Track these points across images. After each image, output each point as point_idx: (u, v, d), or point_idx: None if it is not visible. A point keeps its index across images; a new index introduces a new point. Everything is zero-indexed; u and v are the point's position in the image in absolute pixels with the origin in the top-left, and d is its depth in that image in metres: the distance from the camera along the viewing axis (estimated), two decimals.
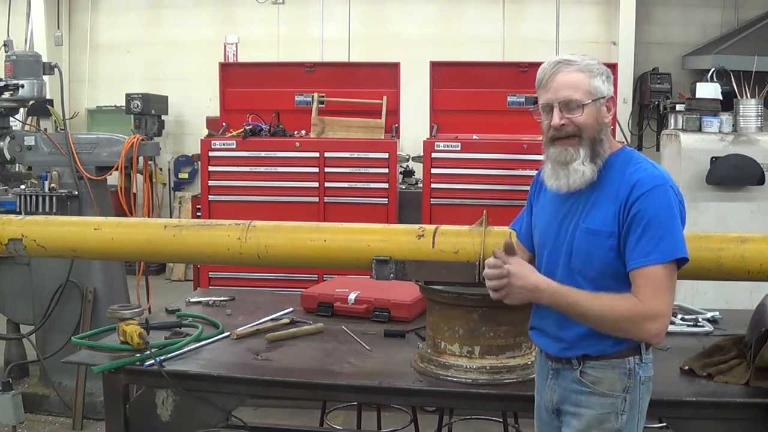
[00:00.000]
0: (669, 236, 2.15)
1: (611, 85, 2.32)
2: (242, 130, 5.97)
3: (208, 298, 4.02)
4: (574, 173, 2.27)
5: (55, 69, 5.16)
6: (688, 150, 5.69)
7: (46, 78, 5.21)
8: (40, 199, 5.00)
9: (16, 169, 5.55)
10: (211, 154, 5.96)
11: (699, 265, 2.89)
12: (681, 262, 2.19)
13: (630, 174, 2.23)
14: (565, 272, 2.31)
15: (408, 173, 7.92)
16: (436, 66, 6.34)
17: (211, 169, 5.98)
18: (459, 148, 5.74)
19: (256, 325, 3.49)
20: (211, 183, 5.98)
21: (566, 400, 2.35)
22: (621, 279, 2.22)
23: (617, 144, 2.36)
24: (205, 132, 7.04)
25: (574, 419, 2.32)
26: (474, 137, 5.97)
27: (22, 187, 5.15)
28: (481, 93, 6.23)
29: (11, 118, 5.30)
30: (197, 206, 7.55)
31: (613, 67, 6.30)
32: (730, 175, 5.59)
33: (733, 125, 5.73)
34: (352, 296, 3.75)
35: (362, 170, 5.85)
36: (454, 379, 2.86)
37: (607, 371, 2.27)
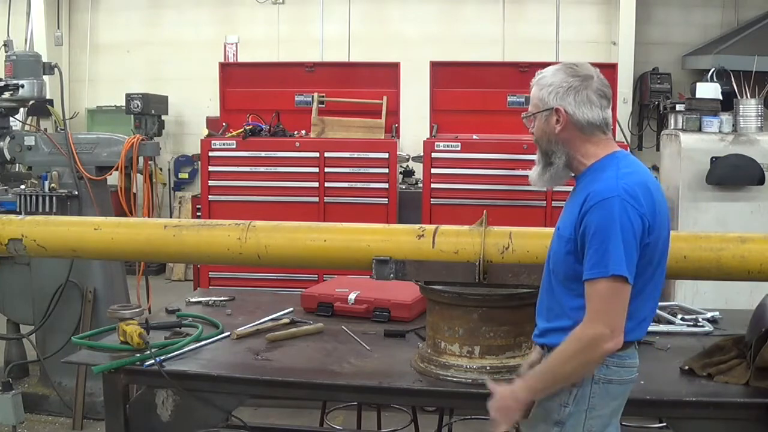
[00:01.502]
0: (607, 252, 2.16)
1: (567, 97, 2.31)
2: (242, 130, 5.97)
3: (208, 298, 4.02)
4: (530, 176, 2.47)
5: (55, 69, 5.16)
6: (688, 150, 5.69)
7: (46, 78, 5.20)
8: (40, 199, 5.00)
9: (16, 169, 5.54)
10: (211, 154, 5.96)
11: (699, 265, 2.90)
12: (623, 279, 2.17)
13: (590, 184, 2.28)
14: (545, 272, 2.43)
15: (408, 173, 7.93)
16: (436, 66, 6.33)
17: (211, 169, 5.98)
18: (459, 148, 5.74)
19: (256, 325, 3.49)
20: (211, 183, 5.97)
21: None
22: (581, 283, 2.24)
23: (605, 151, 2.35)
24: (205, 132, 7.05)
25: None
26: (474, 137, 5.97)
27: (22, 187, 5.15)
28: (481, 93, 6.23)
29: (11, 118, 5.30)
30: (197, 206, 7.55)
31: (613, 67, 6.36)
32: (730, 175, 5.59)
33: (733, 125, 5.73)
34: (352, 296, 3.75)
35: (362, 170, 5.85)
36: (454, 379, 2.86)
37: None
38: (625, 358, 2.31)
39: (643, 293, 2.27)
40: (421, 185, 6.17)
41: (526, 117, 2.42)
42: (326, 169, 5.85)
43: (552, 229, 2.49)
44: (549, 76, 2.36)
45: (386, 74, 6.31)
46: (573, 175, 2.41)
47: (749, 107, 5.68)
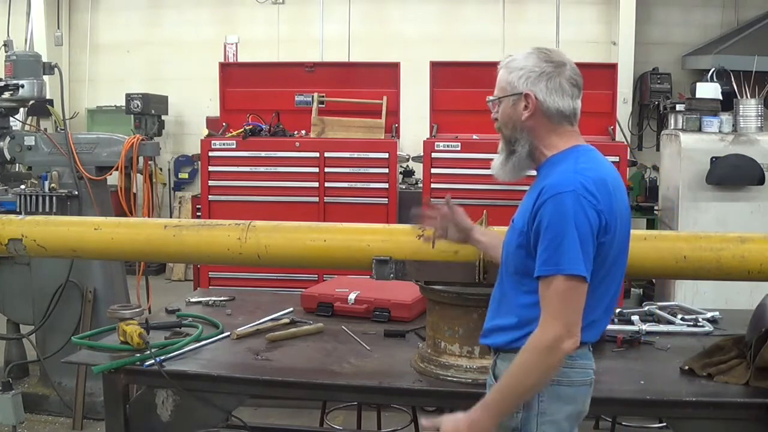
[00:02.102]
0: (561, 248, 2.06)
1: (539, 82, 2.21)
2: (242, 130, 5.98)
3: (208, 298, 4.01)
4: (492, 166, 2.37)
5: (55, 69, 5.16)
6: (688, 150, 5.69)
7: (46, 78, 5.20)
8: (40, 199, 5.00)
9: (16, 169, 5.54)
10: (211, 154, 5.96)
11: (699, 265, 2.90)
12: (579, 277, 2.07)
13: (546, 176, 2.20)
14: (501, 265, 2.35)
15: (408, 173, 7.93)
16: (436, 66, 6.34)
17: (211, 169, 5.98)
18: (459, 148, 5.74)
19: (256, 325, 3.49)
20: (211, 183, 5.98)
21: (488, 387, 2.34)
22: (534, 279, 2.14)
23: (567, 144, 2.26)
24: (205, 132, 7.04)
25: None
26: (474, 137, 5.97)
27: (22, 187, 5.14)
28: (481, 93, 6.13)
29: (11, 118, 5.30)
30: (197, 206, 7.55)
31: (613, 67, 6.36)
32: (730, 175, 5.59)
33: (733, 125, 5.73)
34: (352, 296, 3.75)
35: (362, 170, 5.85)
36: (454, 379, 2.86)
37: (506, 365, 2.20)
38: (576, 359, 2.19)
39: (594, 294, 2.14)
40: (421, 185, 6.17)
41: (492, 101, 2.32)
42: (326, 169, 5.85)
43: None
44: (521, 60, 2.25)
45: (386, 74, 6.32)
46: (534, 165, 2.31)
47: (749, 107, 5.68)
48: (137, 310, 3.22)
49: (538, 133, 2.26)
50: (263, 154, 5.90)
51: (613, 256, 2.20)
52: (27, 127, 7.13)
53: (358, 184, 5.85)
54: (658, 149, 7.77)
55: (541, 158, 2.28)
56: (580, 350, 2.18)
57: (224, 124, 6.34)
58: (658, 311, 3.69)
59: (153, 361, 2.93)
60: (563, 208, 2.07)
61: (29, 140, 5.16)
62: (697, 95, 6.04)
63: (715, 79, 6.53)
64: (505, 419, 2.18)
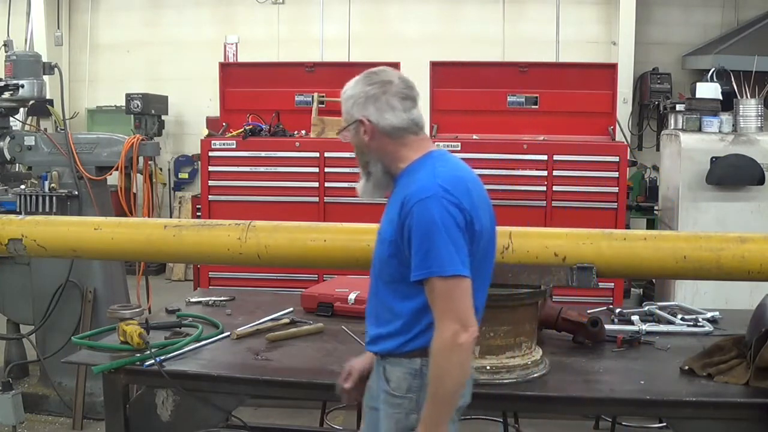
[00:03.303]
0: (434, 251, 2.17)
1: (368, 106, 2.32)
2: (242, 130, 5.97)
3: (208, 298, 4.01)
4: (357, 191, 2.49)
5: (55, 69, 5.16)
6: (688, 150, 5.70)
7: (46, 78, 5.20)
8: (40, 199, 5.00)
9: (16, 169, 5.54)
10: (211, 154, 5.96)
11: (699, 265, 2.90)
12: (458, 276, 2.17)
13: (406, 185, 2.29)
14: (371, 277, 2.45)
15: None
16: (436, 66, 6.34)
17: (211, 169, 5.97)
18: (459, 148, 5.73)
19: (256, 325, 3.49)
20: (211, 183, 5.97)
21: (373, 393, 2.42)
22: (411, 284, 2.24)
23: (419, 153, 2.36)
24: (205, 132, 7.04)
25: (376, 413, 2.38)
26: (474, 137, 5.97)
27: (22, 187, 5.15)
28: (481, 93, 6.23)
29: (11, 118, 5.30)
30: (197, 206, 7.55)
31: (613, 67, 6.36)
32: (730, 175, 5.59)
33: (733, 125, 5.73)
34: (352, 296, 3.75)
35: None
36: None
37: (396, 370, 2.32)
38: None
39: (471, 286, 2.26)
40: None
41: (340, 133, 2.44)
42: (326, 169, 5.85)
43: None
44: (350, 89, 2.38)
45: None
46: (393, 179, 2.41)
47: (749, 107, 5.68)
48: (137, 310, 3.23)
49: (385, 150, 2.37)
50: (263, 154, 5.89)
51: (483, 248, 2.32)
52: (27, 127, 7.12)
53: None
54: (658, 149, 7.78)
55: (397, 171, 2.38)
56: None
57: (224, 124, 6.34)
58: (658, 311, 3.69)
59: (153, 361, 2.93)
60: (428, 212, 2.18)
61: (29, 140, 5.16)
62: (697, 95, 6.04)
63: (715, 79, 6.53)
64: (399, 414, 2.28)
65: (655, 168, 8.48)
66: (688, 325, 3.52)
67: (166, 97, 9.68)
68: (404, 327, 2.30)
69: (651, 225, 7.90)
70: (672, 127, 6.20)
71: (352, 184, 6.13)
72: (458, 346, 2.15)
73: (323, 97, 6.11)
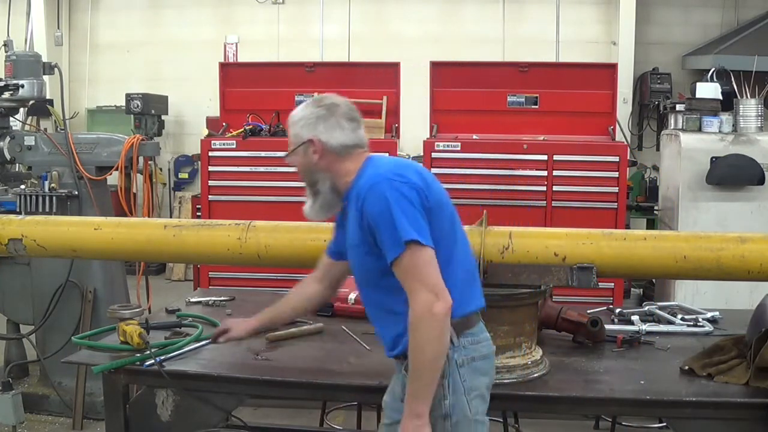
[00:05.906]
0: (392, 227, 2.24)
1: (318, 126, 2.46)
2: (242, 130, 5.97)
3: (208, 298, 4.02)
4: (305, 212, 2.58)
5: (55, 69, 5.16)
6: (688, 150, 5.70)
7: (46, 78, 5.20)
8: (40, 199, 5.00)
9: (16, 169, 5.54)
10: (211, 154, 5.95)
11: (699, 265, 2.90)
12: (417, 243, 2.24)
13: (356, 186, 2.39)
14: (360, 289, 2.54)
15: None
16: (436, 66, 6.33)
17: (211, 169, 5.97)
18: (459, 148, 5.73)
19: None
20: (211, 183, 5.97)
21: (398, 405, 2.43)
22: (392, 275, 2.31)
23: (359, 162, 2.47)
24: (205, 132, 7.04)
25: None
26: (474, 137, 5.97)
27: (22, 187, 5.15)
28: (481, 93, 6.22)
29: (11, 118, 5.30)
30: (197, 206, 7.54)
31: (613, 67, 6.36)
32: (730, 175, 5.59)
33: (733, 125, 5.73)
34: (352, 296, 3.74)
35: None
36: None
37: None
38: (477, 334, 2.42)
39: (453, 259, 2.37)
40: None
41: (287, 156, 2.54)
42: None
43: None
44: (298, 113, 2.51)
45: (386, 74, 6.30)
46: (341, 195, 2.50)
47: (749, 107, 5.68)
48: (137, 310, 3.22)
49: (332, 167, 2.49)
50: (263, 154, 5.88)
51: (450, 218, 2.41)
52: (27, 127, 7.12)
53: None
54: (658, 149, 7.77)
55: (345, 186, 2.48)
56: (476, 326, 2.43)
57: (224, 124, 6.33)
58: (658, 311, 3.69)
59: (153, 361, 2.93)
60: (381, 194, 2.28)
61: (29, 140, 5.16)
62: (697, 95, 6.03)
63: (715, 79, 6.52)
64: (432, 402, 2.29)
65: (655, 168, 8.48)
66: (688, 325, 3.52)
67: (166, 97, 9.68)
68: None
69: (651, 225, 7.90)
70: (672, 127, 6.20)
71: None
72: (433, 315, 2.22)
73: None
